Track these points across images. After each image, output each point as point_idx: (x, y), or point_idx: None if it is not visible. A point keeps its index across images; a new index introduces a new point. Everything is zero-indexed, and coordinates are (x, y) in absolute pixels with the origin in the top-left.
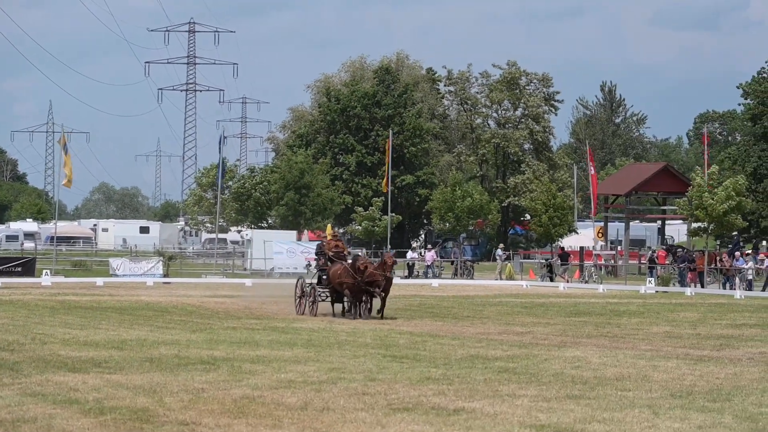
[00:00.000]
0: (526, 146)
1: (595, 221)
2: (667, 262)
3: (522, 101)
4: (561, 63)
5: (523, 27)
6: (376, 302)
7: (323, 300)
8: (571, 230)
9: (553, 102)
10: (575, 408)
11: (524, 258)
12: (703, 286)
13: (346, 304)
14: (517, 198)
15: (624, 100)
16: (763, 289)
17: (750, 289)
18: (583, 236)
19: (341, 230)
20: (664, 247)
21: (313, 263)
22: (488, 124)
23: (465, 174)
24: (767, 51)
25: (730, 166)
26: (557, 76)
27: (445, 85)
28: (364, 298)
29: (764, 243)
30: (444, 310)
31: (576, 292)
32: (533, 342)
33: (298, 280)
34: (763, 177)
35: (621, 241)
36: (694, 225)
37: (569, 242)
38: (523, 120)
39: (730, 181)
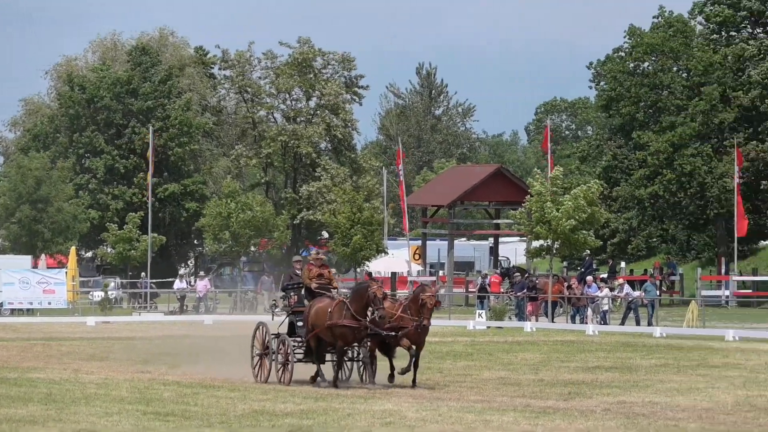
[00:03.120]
0: (323, 145)
1: (411, 240)
2: (502, 289)
3: (317, 89)
4: (366, 40)
5: None
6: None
7: (300, 360)
8: (380, 251)
9: (356, 89)
10: None
11: None
12: (552, 320)
13: (319, 364)
14: (311, 211)
15: (446, 86)
16: (622, 323)
17: (605, 323)
18: (396, 259)
19: (321, 252)
20: (499, 271)
21: (279, 303)
22: (274, 118)
23: (245, 181)
24: (625, 22)
25: (578, 166)
26: (361, 56)
27: (220, 69)
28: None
29: (622, 265)
30: (219, 354)
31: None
32: (333, 393)
33: (257, 329)
34: (618, 180)
35: (443, 264)
36: (535, 243)
37: (378, 266)
38: (318, 112)
39: (580, 188)
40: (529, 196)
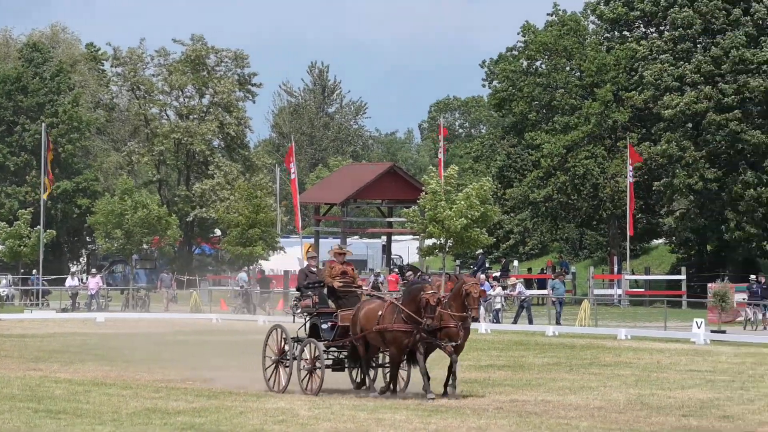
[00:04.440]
0: (216, 143)
1: (304, 238)
2: (399, 287)
3: (210, 86)
4: (259, 37)
5: None
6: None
7: (333, 366)
8: (275, 249)
9: (249, 87)
10: None
11: (214, 284)
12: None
13: (355, 371)
14: (204, 209)
15: (339, 83)
16: (514, 321)
17: (498, 322)
18: (289, 257)
19: (347, 247)
20: (395, 269)
21: (294, 304)
22: (167, 115)
23: (138, 179)
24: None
25: (471, 165)
26: (255, 53)
27: (112, 66)
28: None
29: (515, 264)
30: (112, 352)
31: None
32: (225, 391)
33: (272, 331)
34: (511, 180)
35: None
36: (428, 241)
37: (272, 264)
38: (211, 110)
39: (473, 186)
40: (423, 194)
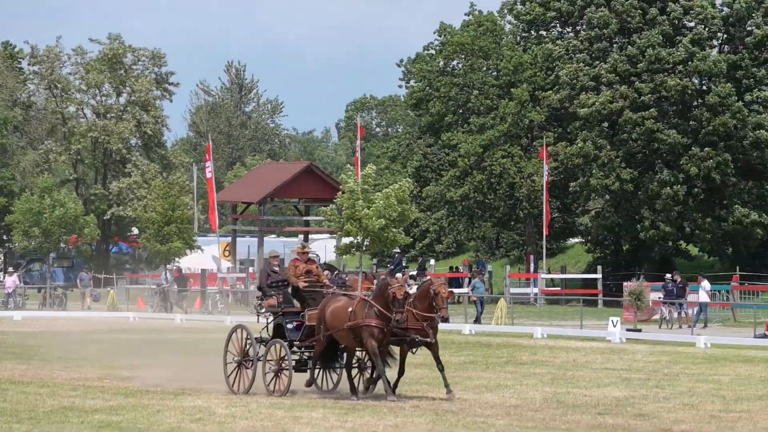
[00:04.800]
0: (133, 141)
1: (221, 236)
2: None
3: (128, 85)
4: (176, 37)
5: None
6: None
7: (297, 367)
8: (192, 247)
9: (167, 86)
10: None
11: (131, 283)
12: None
13: (323, 369)
14: (121, 207)
15: (257, 83)
16: None
17: None
18: (206, 255)
19: (310, 246)
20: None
21: (258, 304)
22: (84, 114)
23: (56, 177)
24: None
25: (388, 164)
26: (172, 52)
27: (29, 65)
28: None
29: (432, 262)
30: (29, 350)
31: (197, 325)
32: (142, 389)
33: (233, 332)
34: (428, 179)
35: (253, 260)
36: (345, 240)
37: (189, 263)
38: (128, 108)
39: (392, 187)
40: (340, 193)
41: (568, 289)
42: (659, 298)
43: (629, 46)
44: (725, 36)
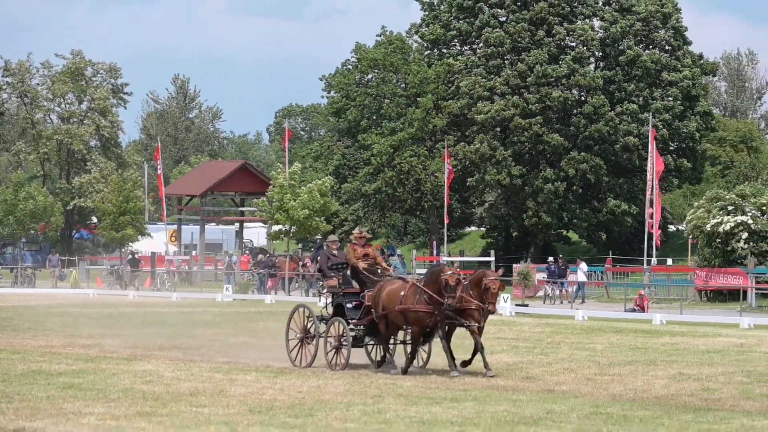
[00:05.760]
0: (93, 143)
1: (168, 224)
2: (250, 267)
3: (88, 93)
4: (131, 53)
5: (89, 13)
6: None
7: (359, 344)
8: (143, 234)
9: (122, 95)
10: (146, 426)
11: (91, 264)
12: (288, 293)
13: (376, 349)
14: (83, 199)
15: (199, 92)
16: None
17: None
18: (156, 240)
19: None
20: (247, 251)
21: (320, 285)
22: (51, 119)
23: (26, 174)
24: (353, 40)
25: (311, 163)
26: (127, 66)
27: (2, 77)
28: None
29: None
30: (2, 322)
31: (148, 300)
32: (101, 355)
33: (296, 310)
34: (346, 176)
35: (196, 245)
36: (275, 228)
37: (140, 247)
38: (89, 114)
39: (315, 183)
40: (271, 187)
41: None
42: (543, 277)
43: (519, 63)
44: (601, 55)
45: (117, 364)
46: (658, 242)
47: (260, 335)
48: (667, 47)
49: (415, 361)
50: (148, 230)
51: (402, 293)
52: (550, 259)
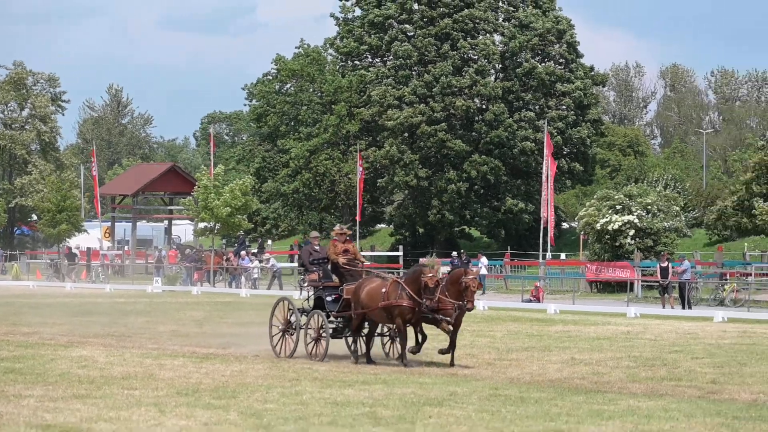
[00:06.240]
0: (33, 147)
1: (103, 221)
2: (177, 261)
3: (29, 101)
4: (70, 64)
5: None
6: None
7: (338, 336)
8: (80, 230)
9: (60, 102)
10: (81, 407)
11: (31, 258)
12: (213, 285)
13: (357, 341)
14: (24, 198)
15: (131, 100)
16: (268, 288)
17: (255, 288)
18: (91, 236)
19: (345, 227)
20: (175, 246)
21: (301, 278)
22: None
23: None
24: (273, 52)
25: (234, 166)
26: (65, 76)
27: None
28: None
29: (269, 242)
30: None
31: (83, 292)
32: (40, 342)
33: (278, 303)
34: (266, 177)
35: (128, 240)
36: (201, 225)
37: (77, 242)
38: (30, 120)
39: (236, 183)
40: (197, 187)
41: (376, 263)
42: (447, 271)
43: (426, 74)
44: (501, 67)
45: (55, 350)
46: (553, 238)
47: (187, 324)
48: (561, 60)
49: (377, 349)
50: (84, 227)
51: (383, 290)
52: (454, 253)
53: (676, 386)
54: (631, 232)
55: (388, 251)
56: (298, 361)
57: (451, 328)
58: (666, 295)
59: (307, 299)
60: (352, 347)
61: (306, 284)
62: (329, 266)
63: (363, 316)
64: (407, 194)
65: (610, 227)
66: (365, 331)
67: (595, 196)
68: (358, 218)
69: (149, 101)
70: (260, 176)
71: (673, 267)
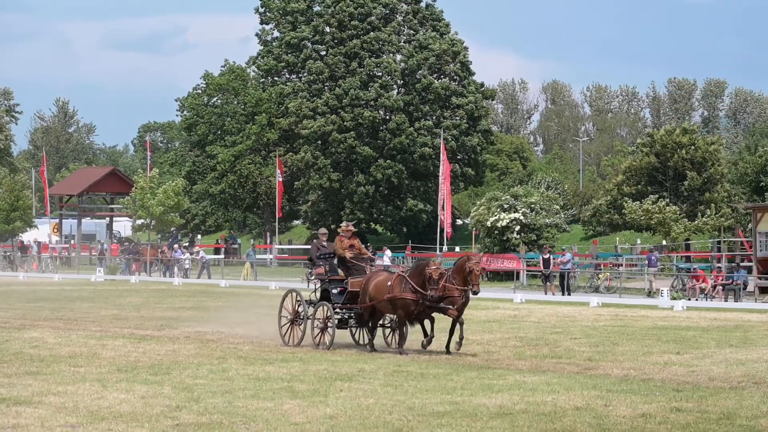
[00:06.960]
0: None
1: (52, 218)
2: (118, 253)
3: None
4: (22, 79)
5: None
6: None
7: (343, 326)
8: (31, 226)
9: (13, 113)
10: (33, 383)
11: None
12: (150, 275)
13: (363, 331)
14: None
15: (77, 111)
16: (198, 277)
17: (186, 277)
18: (42, 231)
19: (351, 224)
20: (116, 240)
21: (309, 272)
22: None
23: None
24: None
25: (168, 169)
26: (19, 90)
27: None
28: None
29: (199, 237)
30: None
31: (35, 280)
32: None
33: (287, 295)
34: (196, 180)
35: (75, 235)
36: (138, 221)
37: (28, 236)
38: None
39: (169, 184)
40: (135, 188)
41: (293, 255)
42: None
43: (337, 88)
44: (402, 83)
45: (9, 332)
46: (449, 234)
47: (126, 309)
48: (455, 77)
49: (378, 341)
50: (35, 223)
51: (389, 283)
52: None
53: (557, 363)
54: (517, 228)
55: (303, 244)
56: (224, 342)
57: (456, 313)
58: (548, 282)
59: (314, 291)
60: (356, 337)
61: (313, 277)
62: (336, 260)
63: (372, 308)
64: (321, 194)
65: (498, 224)
66: (378, 321)
67: (485, 197)
68: (277, 215)
69: (93, 112)
70: (191, 179)
71: (555, 258)
